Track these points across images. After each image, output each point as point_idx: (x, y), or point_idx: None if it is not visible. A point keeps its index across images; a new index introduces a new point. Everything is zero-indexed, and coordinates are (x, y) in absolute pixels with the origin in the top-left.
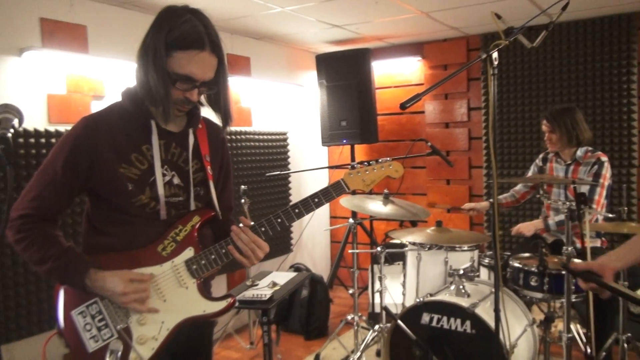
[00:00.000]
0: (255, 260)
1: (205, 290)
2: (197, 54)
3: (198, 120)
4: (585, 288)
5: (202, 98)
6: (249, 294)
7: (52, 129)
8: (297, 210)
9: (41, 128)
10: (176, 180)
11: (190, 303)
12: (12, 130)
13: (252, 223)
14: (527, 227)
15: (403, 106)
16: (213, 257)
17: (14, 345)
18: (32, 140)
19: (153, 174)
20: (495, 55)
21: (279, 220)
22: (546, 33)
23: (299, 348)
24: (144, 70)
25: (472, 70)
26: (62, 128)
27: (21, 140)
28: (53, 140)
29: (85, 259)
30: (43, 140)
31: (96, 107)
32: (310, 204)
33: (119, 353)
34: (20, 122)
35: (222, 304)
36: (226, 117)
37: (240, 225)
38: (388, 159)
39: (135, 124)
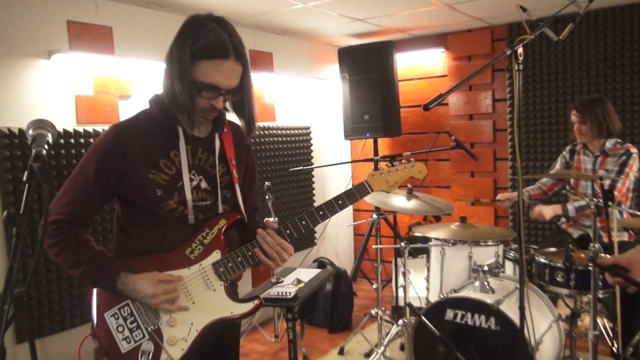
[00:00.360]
0: (281, 262)
1: (232, 292)
2: (222, 63)
3: (223, 125)
4: (612, 282)
5: (227, 104)
6: (273, 291)
7: (80, 129)
8: (321, 213)
9: (70, 129)
10: (203, 185)
11: (218, 305)
12: (46, 147)
13: (278, 226)
14: (546, 210)
15: (426, 107)
16: (239, 259)
17: (47, 340)
18: (62, 141)
19: (181, 179)
20: (520, 50)
21: (304, 222)
22: (572, 25)
23: (323, 341)
24: (170, 79)
25: (501, 61)
26: (90, 128)
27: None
28: (82, 140)
29: (116, 263)
30: (72, 140)
31: (123, 107)
32: (334, 206)
33: (151, 354)
34: (54, 137)
35: (249, 306)
36: (250, 123)
37: (266, 228)
38: (412, 159)
39: (163, 130)
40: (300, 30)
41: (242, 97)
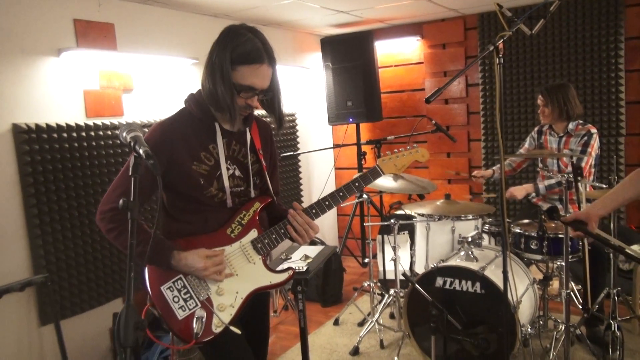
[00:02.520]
0: (308, 238)
1: (268, 265)
2: (257, 68)
3: (252, 120)
4: (573, 235)
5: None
6: (286, 266)
7: (90, 122)
8: (341, 194)
9: (80, 122)
10: (237, 173)
11: (258, 275)
12: (146, 145)
13: (305, 207)
14: (519, 191)
15: (427, 101)
16: (274, 236)
17: (70, 321)
18: (74, 134)
19: (219, 169)
20: (501, 46)
21: (327, 203)
22: (544, 22)
23: (318, 314)
24: (212, 83)
25: (470, 48)
26: (99, 121)
27: (65, 134)
28: (92, 133)
29: (168, 243)
30: (83, 133)
31: (126, 100)
32: (351, 187)
33: (204, 319)
34: (143, 134)
35: (284, 275)
36: (281, 119)
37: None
38: (415, 145)
39: (202, 126)
40: (285, 21)
41: (272, 96)
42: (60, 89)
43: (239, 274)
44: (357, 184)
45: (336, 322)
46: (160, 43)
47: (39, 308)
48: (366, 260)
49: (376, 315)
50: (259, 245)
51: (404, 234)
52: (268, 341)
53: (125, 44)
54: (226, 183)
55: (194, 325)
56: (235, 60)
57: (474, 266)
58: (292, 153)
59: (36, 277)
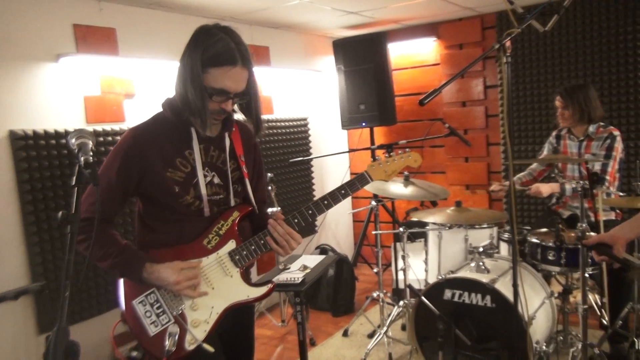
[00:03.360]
0: (290, 250)
1: (247, 278)
2: (230, 70)
3: (232, 125)
4: (598, 260)
5: (235, 106)
6: (282, 277)
7: (90, 128)
8: (325, 202)
9: (80, 128)
10: (216, 180)
11: (236, 289)
12: (91, 154)
13: (286, 216)
14: (544, 188)
15: (421, 102)
16: (253, 247)
17: (80, 326)
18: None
19: (196, 176)
20: (508, 44)
21: (310, 212)
22: (557, 17)
23: (328, 324)
24: (184, 86)
25: (488, 48)
26: (100, 127)
27: (63, 141)
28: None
29: (141, 255)
30: None
31: (128, 105)
32: (337, 195)
33: (177, 336)
34: (93, 143)
35: (263, 289)
36: (258, 123)
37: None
38: (407, 149)
39: (177, 131)
40: (296, 24)
41: (249, 100)
42: (60, 95)
43: (215, 287)
44: (343, 192)
45: (345, 334)
46: (163, 47)
47: (37, 316)
48: (375, 269)
49: (384, 328)
50: (237, 257)
51: (419, 241)
52: (252, 356)
53: (127, 49)
54: (203, 190)
55: (166, 342)
56: (206, 62)
57: (484, 278)
58: (301, 158)
59: (33, 285)
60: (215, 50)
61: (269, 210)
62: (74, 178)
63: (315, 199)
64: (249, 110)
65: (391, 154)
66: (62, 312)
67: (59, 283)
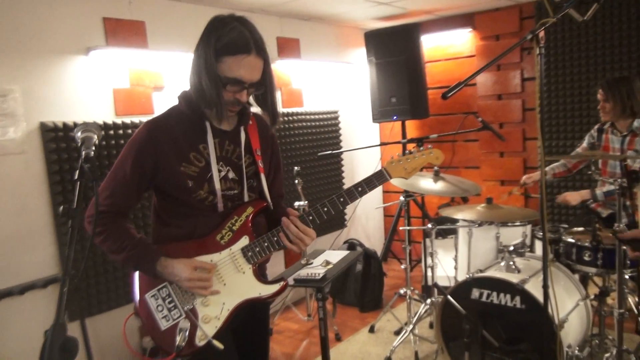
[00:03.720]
0: (303, 246)
1: (260, 275)
2: (244, 58)
3: (249, 118)
4: (632, 257)
5: (251, 98)
6: (303, 272)
7: (119, 121)
8: (341, 199)
9: (109, 121)
10: (231, 175)
11: (247, 286)
12: (94, 148)
13: (299, 204)
14: (573, 196)
15: (444, 96)
16: (266, 244)
17: (95, 318)
18: (103, 132)
19: (210, 171)
20: (542, 34)
21: (325, 209)
22: (597, 6)
23: (354, 320)
24: (197, 76)
25: (526, 40)
26: (128, 120)
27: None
28: (120, 131)
29: (155, 249)
30: (112, 132)
31: (157, 98)
32: (354, 193)
33: (187, 331)
34: (99, 137)
35: (275, 287)
36: (274, 115)
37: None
38: (429, 146)
39: (191, 125)
40: (326, 15)
41: (264, 91)
42: (89, 88)
43: (227, 283)
44: (360, 189)
45: (372, 330)
46: (192, 40)
47: (66, 304)
48: (402, 265)
49: (410, 325)
50: (250, 254)
51: (451, 238)
52: (267, 353)
53: (156, 42)
54: (217, 185)
55: (177, 337)
56: (220, 51)
57: (514, 278)
58: (330, 152)
59: (61, 274)
60: (229, 38)
61: (296, 203)
62: (76, 172)
63: (332, 195)
64: (264, 102)
65: (412, 150)
66: (59, 308)
67: (88, 273)
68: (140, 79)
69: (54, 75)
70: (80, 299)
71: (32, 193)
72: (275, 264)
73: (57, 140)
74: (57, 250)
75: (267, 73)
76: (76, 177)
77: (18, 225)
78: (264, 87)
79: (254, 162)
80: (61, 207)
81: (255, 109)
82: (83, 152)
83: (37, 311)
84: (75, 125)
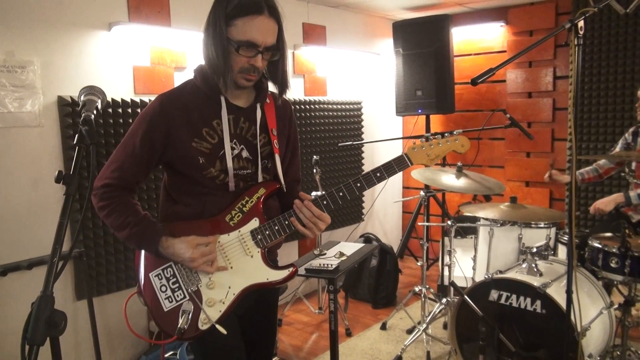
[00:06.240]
0: (317, 231)
1: (269, 259)
2: (255, 18)
3: (265, 95)
4: None
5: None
6: (316, 263)
7: (137, 99)
8: (358, 185)
9: (127, 98)
10: (245, 154)
11: (255, 271)
12: (95, 112)
13: (316, 194)
14: (605, 203)
15: (474, 82)
16: (277, 228)
17: (104, 298)
18: (120, 110)
19: (223, 148)
20: (581, 24)
21: (341, 194)
22: None
23: (367, 315)
24: (206, 44)
25: (560, 36)
26: (147, 98)
27: (110, 110)
28: (138, 110)
29: (158, 227)
30: (129, 110)
31: (178, 78)
32: (372, 178)
33: (190, 314)
34: (103, 103)
35: (284, 273)
36: (283, 84)
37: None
38: (454, 132)
39: (206, 100)
40: (354, 3)
41: (277, 61)
42: (109, 64)
43: (234, 266)
44: (378, 174)
45: (383, 327)
46: None
47: (75, 283)
48: (419, 263)
49: (424, 325)
50: (259, 237)
51: (471, 237)
52: (273, 342)
53: (180, 21)
54: (229, 164)
55: (180, 320)
56: (231, 14)
57: (535, 281)
58: (351, 143)
59: (72, 252)
60: (239, 0)
61: (313, 194)
62: (76, 136)
63: (348, 180)
64: (274, 71)
65: (435, 136)
66: (47, 279)
67: (98, 251)
68: (162, 57)
69: (74, 50)
70: (89, 277)
71: (46, 167)
72: (289, 254)
73: (74, 115)
74: (68, 227)
75: (281, 38)
76: (75, 141)
77: (31, 199)
78: (279, 53)
79: (270, 142)
80: (56, 172)
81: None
82: (83, 114)
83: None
84: None
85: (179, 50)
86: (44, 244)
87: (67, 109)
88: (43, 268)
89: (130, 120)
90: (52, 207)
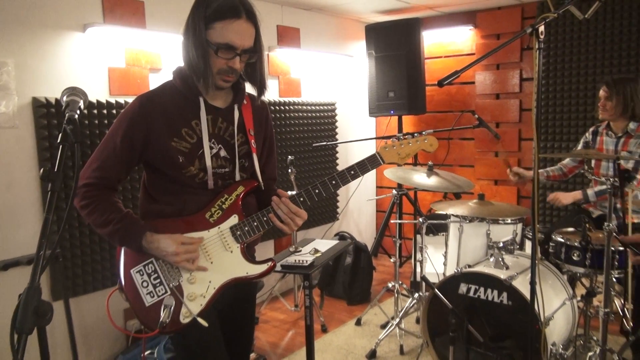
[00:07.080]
0: (294, 227)
1: (248, 254)
2: (233, 22)
3: (243, 96)
4: (633, 261)
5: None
6: (291, 259)
7: (112, 100)
8: (333, 182)
9: (103, 100)
10: (222, 153)
11: (235, 265)
12: (78, 112)
13: (291, 193)
14: (564, 196)
15: (440, 83)
16: (255, 224)
17: (80, 299)
18: (95, 111)
19: (201, 147)
20: (542, 29)
21: (317, 191)
22: (599, 4)
23: (342, 312)
24: (186, 46)
25: (525, 39)
26: (122, 100)
27: (85, 111)
28: (114, 111)
29: (142, 223)
30: (105, 111)
31: (153, 79)
32: (346, 176)
33: (172, 308)
34: (85, 103)
35: (263, 267)
36: (262, 86)
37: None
38: (424, 132)
39: (185, 101)
40: (328, 6)
41: (254, 63)
42: (84, 65)
43: (214, 262)
44: (352, 172)
45: (358, 323)
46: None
47: (51, 283)
48: (392, 260)
49: (397, 319)
50: (238, 233)
51: (442, 235)
52: (251, 336)
53: (155, 23)
54: (208, 163)
55: (161, 314)
56: (210, 18)
57: (502, 274)
58: (325, 143)
59: (48, 253)
60: (217, 4)
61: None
62: (60, 135)
63: (324, 178)
64: (253, 73)
65: (406, 136)
66: (34, 271)
67: (74, 252)
68: (137, 59)
69: (48, 51)
70: (65, 278)
71: (21, 168)
72: (265, 252)
73: (49, 116)
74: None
75: (258, 41)
76: (59, 140)
77: (6, 200)
78: (256, 55)
79: (247, 142)
80: (41, 170)
81: (249, 90)
82: (67, 114)
83: (20, 289)
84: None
85: (154, 52)
86: (19, 245)
87: (42, 110)
88: (18, 269)
89: (106, 122)
90: (27, 208)
